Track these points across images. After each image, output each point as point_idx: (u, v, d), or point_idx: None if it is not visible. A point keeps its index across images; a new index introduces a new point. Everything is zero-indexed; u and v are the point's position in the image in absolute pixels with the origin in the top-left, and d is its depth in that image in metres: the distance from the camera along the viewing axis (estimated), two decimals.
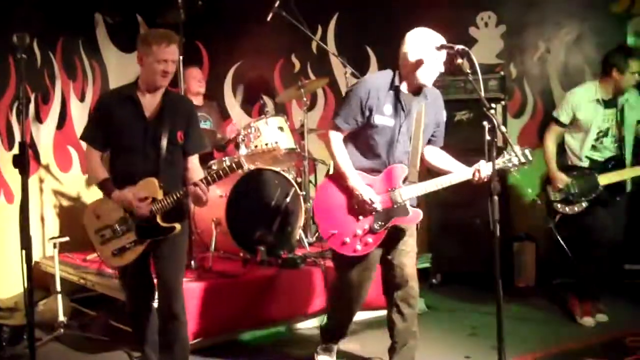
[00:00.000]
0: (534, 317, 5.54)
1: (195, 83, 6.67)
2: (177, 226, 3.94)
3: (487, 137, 3.71)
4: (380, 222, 4.04)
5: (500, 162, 4.03)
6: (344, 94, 4.35)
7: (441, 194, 6.39)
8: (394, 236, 4.15)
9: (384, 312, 4.45)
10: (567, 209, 5.31)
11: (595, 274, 5.33)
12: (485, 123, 3.72)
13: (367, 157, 4.10)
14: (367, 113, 4.02)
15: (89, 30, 7.05)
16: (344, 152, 4.08)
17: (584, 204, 5.25)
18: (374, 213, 4.03)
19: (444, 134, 4.36)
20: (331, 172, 4.26)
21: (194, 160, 4.11)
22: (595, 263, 5.29)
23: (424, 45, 4.00)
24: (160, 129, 3.93)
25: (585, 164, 5.32)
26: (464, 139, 6.42)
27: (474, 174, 4.08)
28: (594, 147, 5.32)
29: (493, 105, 3.82)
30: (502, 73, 6.56)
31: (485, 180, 4.03)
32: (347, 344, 4.78)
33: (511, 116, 6.98)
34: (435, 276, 6.66)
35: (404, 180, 4.08)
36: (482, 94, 3.74)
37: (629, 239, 6.03)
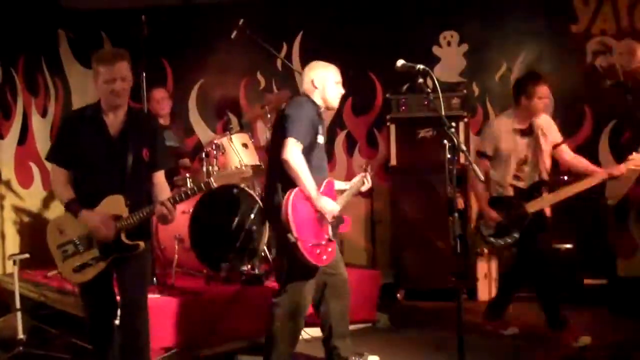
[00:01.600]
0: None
1: (154, 105, 6.47)
2: (141, 244, 3.92)
3: (448, 155, 3.78)
4: (334, 231, 4.28)
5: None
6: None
7: (404, 210, 6.57)
8: None
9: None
10: (500, 241, 5.26)
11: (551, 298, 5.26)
12: (445, 141, 3.79)
13: (315, 174, 4.23)
14: (314, 132, 4.27)
15: (52, 47, 7.01)
16: (306, 166, 4.16)
17: (516, 235, 5.18)
18: (330, 223, 4.24)
19: None
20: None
21: (159, 177, 4.08)
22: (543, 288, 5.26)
23: (326, 73, 4.41)
24: (125, 146, 3.91)
25: (510, 192, 5.30)
26: (427, 156, 6.54)
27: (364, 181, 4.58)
28: (516, 177, 5.32)
29: (453, 123, 3.87)
30: (464, 91, 6.67)
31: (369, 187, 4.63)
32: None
33: (473, 134, 7.06)
34: (398, 292, 6.70)
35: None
36: (443, 112, 3.82)
37: (588, 255, 6.16)
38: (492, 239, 5.29)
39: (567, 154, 5.41)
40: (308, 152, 4.22)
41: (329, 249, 4.25)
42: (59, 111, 6.97)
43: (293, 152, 4.11)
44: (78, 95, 7.07)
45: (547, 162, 5.34)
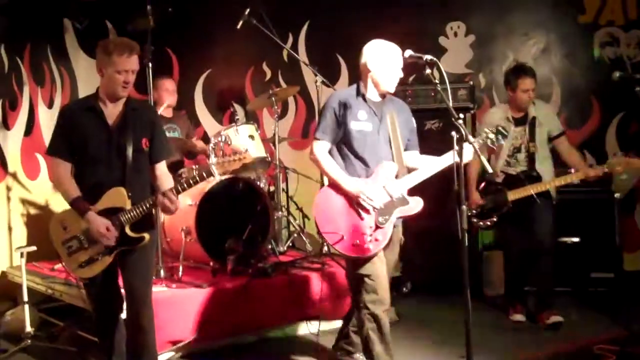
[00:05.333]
0: (502, 325, 5.57)
1: (167, 95, 6.49)
2: (146, 236, 3.92)
3: (456, 147, 3.76)
4: (384, 217, 4.16)
5: (478, 141, 4.18)
6: (315, 103, 4.42)
7: None
8: None
9: None
10: (480, 223, 5.63)
11: (513, 284, 5.80)
12: (453, 133, 3.77)
13: (355, 164, 4.24)
14: (342, 121, 4.20)
15: (58, 36, 7.00)
16: (330, 159, 4.24)
17: (494, 219, 5.56)
18: (376, 209, 4.14)
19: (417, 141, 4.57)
20: (325, 184, 4.38)
21: (161, 168, 4.09)
22: (511, 275, 5.86)
23: (381, 55, 4.23)
24: (125, 137, 3.90)
25: (501, 178, 5.59)
26: (434, 148, 6.46)
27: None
28: (507, 163, 5.61)
29: (461, 115, 3.85)
30: (471, 82, 6.63)
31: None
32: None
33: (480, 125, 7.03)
34: (405, 285, 6.67)
35: (396, 177, 4.25)
36: (450, 103, 3.80)
37: (595, 248, 6.13)
38: (473, 219, 5.60)
39: (563, 147, 5.62)
40: (342, 142, 4.25)
41: (379, 236, 4.13)
42: (66, 102, 6.94)
43: (314, 150, 4.26)
44: (84, 85, 7.04)
45: (542, 153, 5.57)
